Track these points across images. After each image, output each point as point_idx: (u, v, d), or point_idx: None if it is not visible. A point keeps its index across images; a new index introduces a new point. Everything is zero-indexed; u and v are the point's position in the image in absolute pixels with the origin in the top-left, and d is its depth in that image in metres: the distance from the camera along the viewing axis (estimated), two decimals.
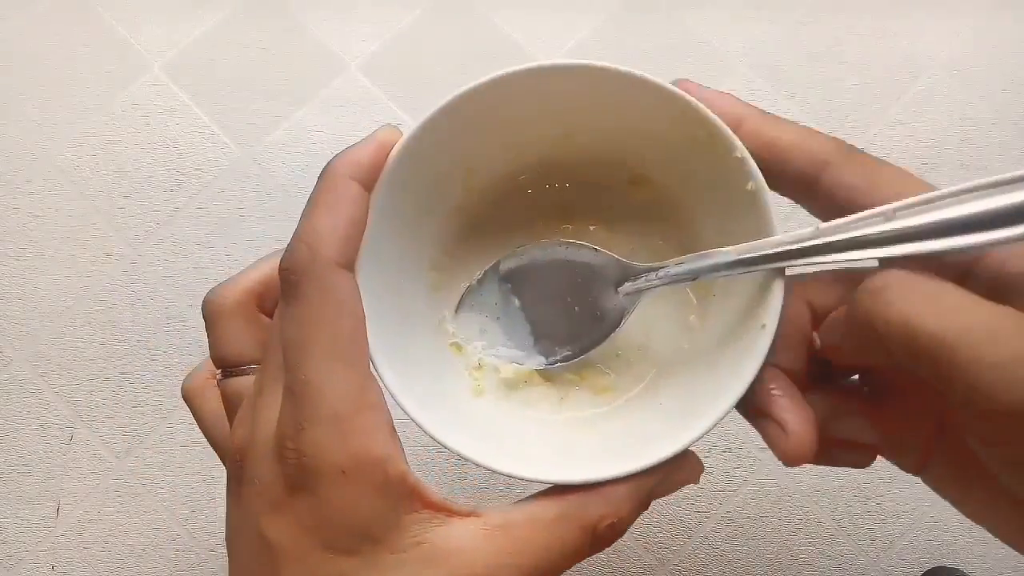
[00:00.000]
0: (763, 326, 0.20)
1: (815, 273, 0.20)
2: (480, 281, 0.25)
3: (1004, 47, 0.45)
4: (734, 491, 0.39)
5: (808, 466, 0.39)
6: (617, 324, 0.24)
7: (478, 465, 0.20)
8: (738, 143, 0.20)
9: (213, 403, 0.24)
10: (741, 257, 0.20)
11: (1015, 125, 0.43)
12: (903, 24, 0.45)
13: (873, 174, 0.19)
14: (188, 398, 0.25)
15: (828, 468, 0.39)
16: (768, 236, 0.20)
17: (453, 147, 0.22)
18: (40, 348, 0.41)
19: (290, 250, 0.19)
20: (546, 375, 0.25)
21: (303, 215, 0.19)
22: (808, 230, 0.19)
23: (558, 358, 0.25)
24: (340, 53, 0.45)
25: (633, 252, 0.25)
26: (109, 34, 0.45)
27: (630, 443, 0.22)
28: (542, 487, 0.20)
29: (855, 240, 0.18)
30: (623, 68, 0.21)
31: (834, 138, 0.20)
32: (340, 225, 0.19)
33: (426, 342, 0.24)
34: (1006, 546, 0.40)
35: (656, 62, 0.44)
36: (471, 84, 0.20)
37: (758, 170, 0.20)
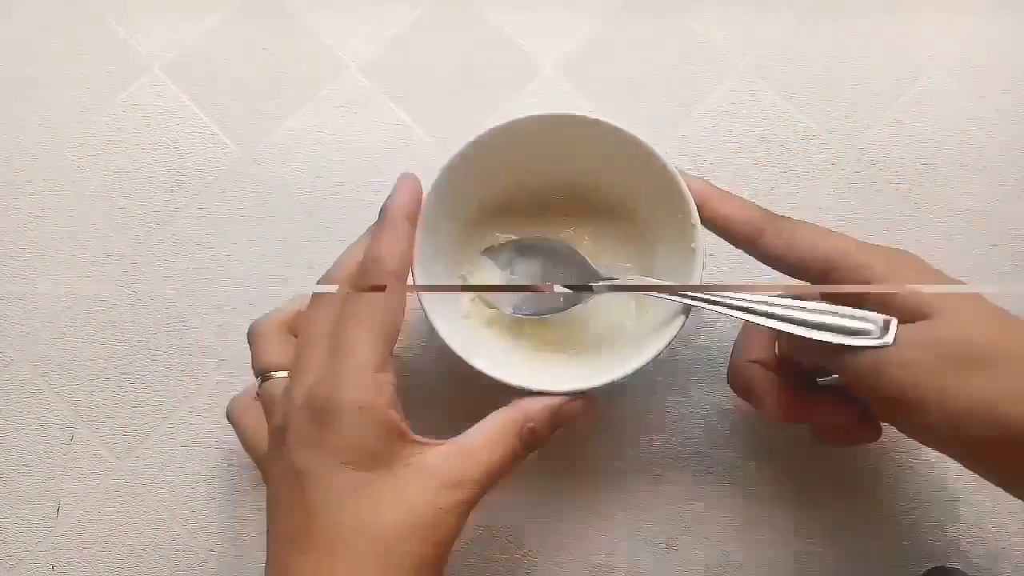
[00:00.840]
0: (665, 334, 0.31)
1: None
2: (502, 245, 0.37)
3: (1004, 47, 0.45)
4: (735, 491, 0.39)
5: (809, 470, 0.39)
6: (573, 304, 0.35)
7: (458, 355, 0.31)
8: (695, 214, 0.32)
9: (255, 420, 0.31)
10: (659, 288, 0.32)
11: (1015, 125, 0.43)
12: (903, 24, 0.45)
13: (790, 238, 0.30)
14: (233, 416, 0.33)
15: (827, 469, 0.39)
16: (689, 281, 0.32)
17: (492, 163, 0.33)
18: (40, 348, 0.41)
19: (374, 258, 0.28)
20: (515, 327, 0.37)
21: (371, 240, 0.29)
22: (720, 286, 0.32)
23: (525, 311, 0.36)
24: (340, 53, 0.45)
25: (607, 254, 0.38)
26: (109, 35, 0.45)
27: (554, 380, 0.31)
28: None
29: (724, 302, 0.30)
30: (630, 133, 0.32)
31: (763, 210, 0.31)
32: (400, 250, 0.29)
33: (449, 275, 0.36)
34: (1006, 546, 0.40)
35: (656, 62, 0.44)
36: (507, 120, 0.32)
37: (703, 237, 0.32)
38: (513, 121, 0.31)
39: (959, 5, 0.45)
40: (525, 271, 0.36)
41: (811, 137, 0.43)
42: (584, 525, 0.39)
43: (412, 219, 0.29)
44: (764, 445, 0.40)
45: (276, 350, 0.31)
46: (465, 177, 0.32)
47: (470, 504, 0.27)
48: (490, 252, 0.37)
